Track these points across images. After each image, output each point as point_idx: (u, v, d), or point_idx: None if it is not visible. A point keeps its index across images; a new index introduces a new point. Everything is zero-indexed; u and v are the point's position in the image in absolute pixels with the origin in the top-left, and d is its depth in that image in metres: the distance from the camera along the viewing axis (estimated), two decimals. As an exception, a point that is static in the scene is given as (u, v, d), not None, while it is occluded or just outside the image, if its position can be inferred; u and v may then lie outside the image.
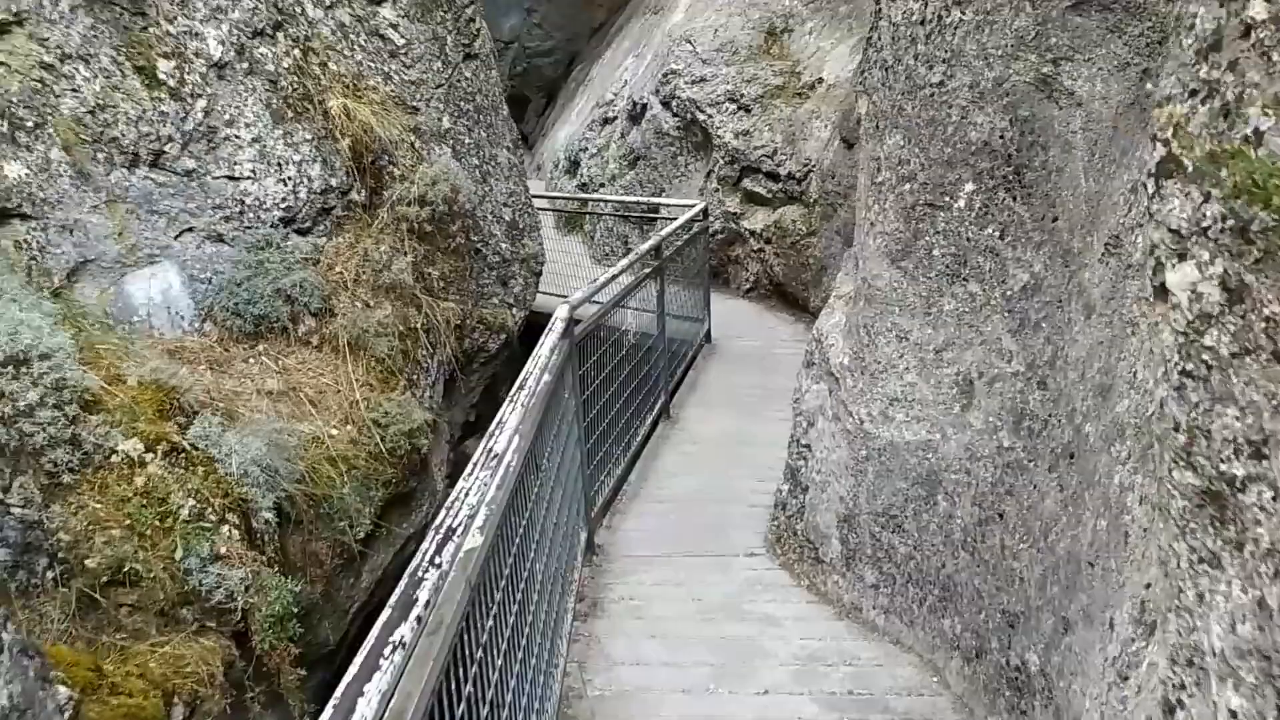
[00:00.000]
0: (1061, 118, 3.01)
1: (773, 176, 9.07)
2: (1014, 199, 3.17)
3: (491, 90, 7.27)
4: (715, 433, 6.08)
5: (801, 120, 8.84)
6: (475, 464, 2.00)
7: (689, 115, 10.00)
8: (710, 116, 9.67)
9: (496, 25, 23.39)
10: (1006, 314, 3.16)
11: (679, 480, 5.28)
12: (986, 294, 3.24)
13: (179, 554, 3.56)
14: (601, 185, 11.65)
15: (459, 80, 6.88)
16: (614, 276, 4.56)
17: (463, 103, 6.88)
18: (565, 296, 9.78)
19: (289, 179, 5.67)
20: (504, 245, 7.18)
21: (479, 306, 6.93)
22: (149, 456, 3.71)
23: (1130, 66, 2.73)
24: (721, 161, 9.59)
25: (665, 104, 10.39)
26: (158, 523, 3.59)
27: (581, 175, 12.40)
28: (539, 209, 9.76)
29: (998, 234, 3.21)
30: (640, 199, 9.45)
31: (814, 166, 8.40)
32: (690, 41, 10.20)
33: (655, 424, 6.09)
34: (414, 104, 6.46)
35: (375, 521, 5.36)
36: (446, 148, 6.67)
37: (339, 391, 5.54)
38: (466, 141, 6.88)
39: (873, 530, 3.65)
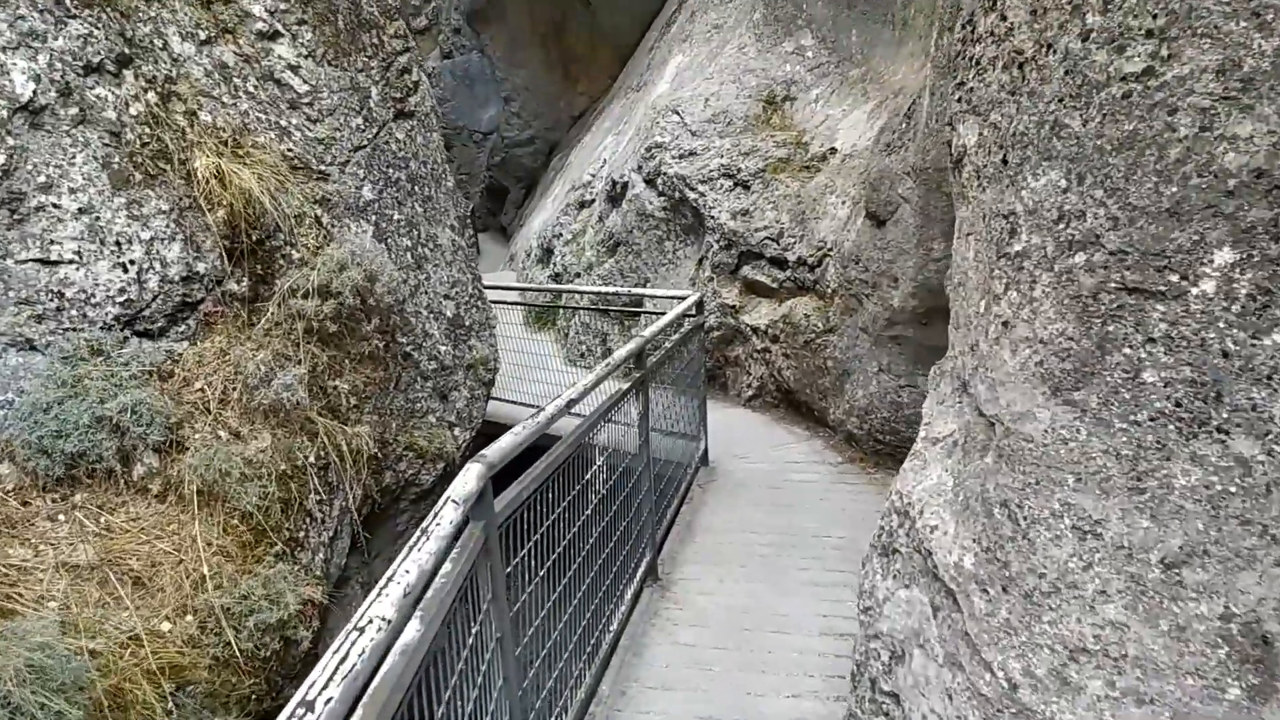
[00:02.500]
0: None
1: (779, 263, 7.61)
2: (1336, 278, 1.62)
3: (432, 156, 5.82)
4: (722, 607, 4.39)
5: (812, 197, 7.43)
6: None
7: (677, 194, 8.59)
8: (702, 195, 8.26)
9: (475, 117, 22.54)
10: (1348, 509, 1.57)
11: (676, 700, 3.57)
12: (1284, 463, 1.65)
13: None
14: (577, 275, 10.18)
15: (387, 142, 5.42)
16: (569, 404, 2.95)
17: (391, 169, 5.41)
18: (532, 405, 8.21)
19: (132, 263, 4.12)
20: (443, 348, 5.60)
21: (408, 428, 5.30)
22: None
23: None
24: (716, 246, 8.14)
25: (649, 182, 9.00)
26: None
27: (555, 264, 10.95)
28: (501, 302, 8.26)
29: (1302, 345, 1.65)
30: (622, 290, 7.97)
31: (831, 250, 6.93)
32: (677, 112, 8.88)
33: (639, 593, 4.42)
34: (322, 168, 4.97)
35: (220, 765, 3.62)
36: (367, 225, 5.16)
37: (180, 563, 3.85)
38: (395, 218, 5.38)
39: None
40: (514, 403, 8.40)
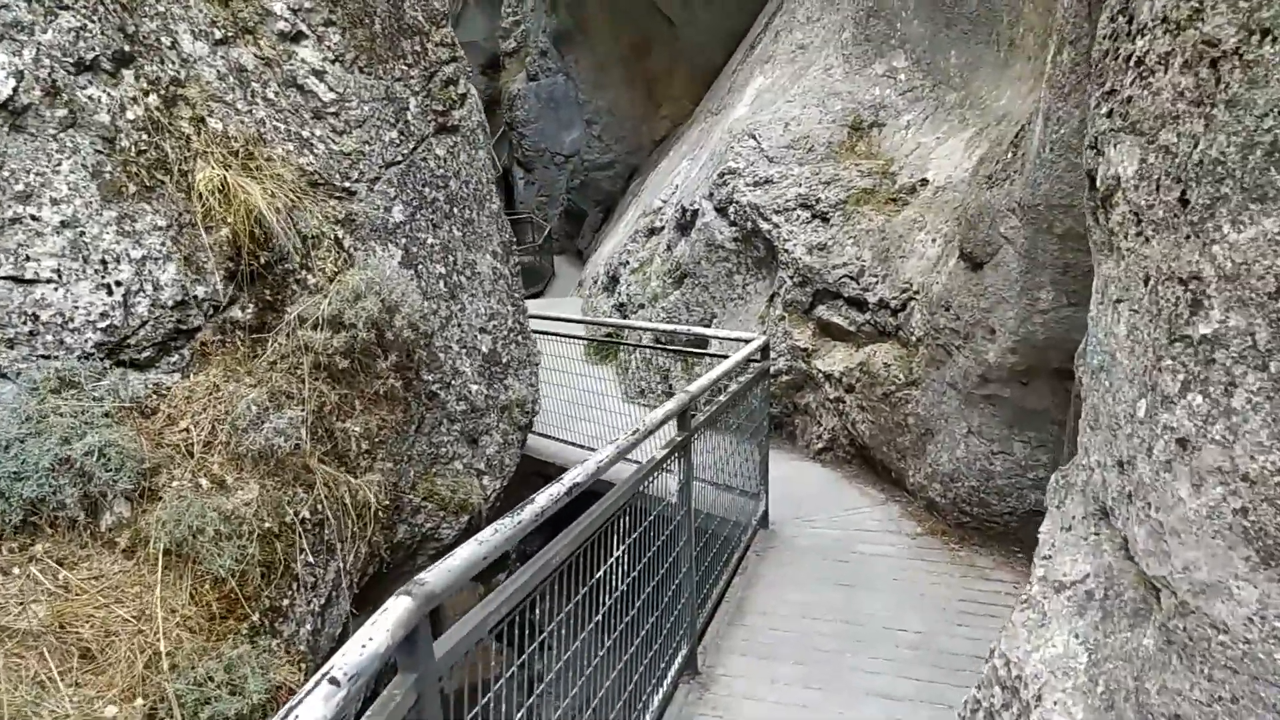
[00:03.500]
0: None
1: (857, 304, 6.87)
2: None
3: (476, 175, 5.31)
4: (771, 720, 3.68)
5: (898, 233, 6.68)
6: None
7: (749, 224, 7.93)
8: (776, 226, 7.58)
9: (558, 139, 22.33)
10: None
11: None
12: None
13: None
14: (641, 306, 9.58)
15: (425, 159, 4.92)
16: (571, 489, 2.32)
17: (427, 189, 4.90)
18: (581, 446, 7.60)
19: (119, 284, 3.68)
20: (474, 387, 5.05)
21: (429, 476, 4.76)
22: None
23: None
24: (789, 282, 7.44)
25: (720, 210, 8.36)
26: None
27: (620, 294, 10.37)
28: (548, 333, 7.72)
29: None
30: (682, 329, 7.33)
31: (917, 293, 6.17)
32: (754, 136, 8.24)
33: (671, 694, 3.74)
34: (347, 185, 4.49)
35: None
36: (395, 249, 4.65)
37: (139, 634, 3.34)
38: (429, 242, 4.86)
39: None
40: (565, 442, 7.83)
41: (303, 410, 3.95)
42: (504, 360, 5.32)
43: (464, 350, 5.01)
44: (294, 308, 4.15)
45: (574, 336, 8.57)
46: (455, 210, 5.09)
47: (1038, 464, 5.23)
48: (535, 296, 18.71)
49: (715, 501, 4.92)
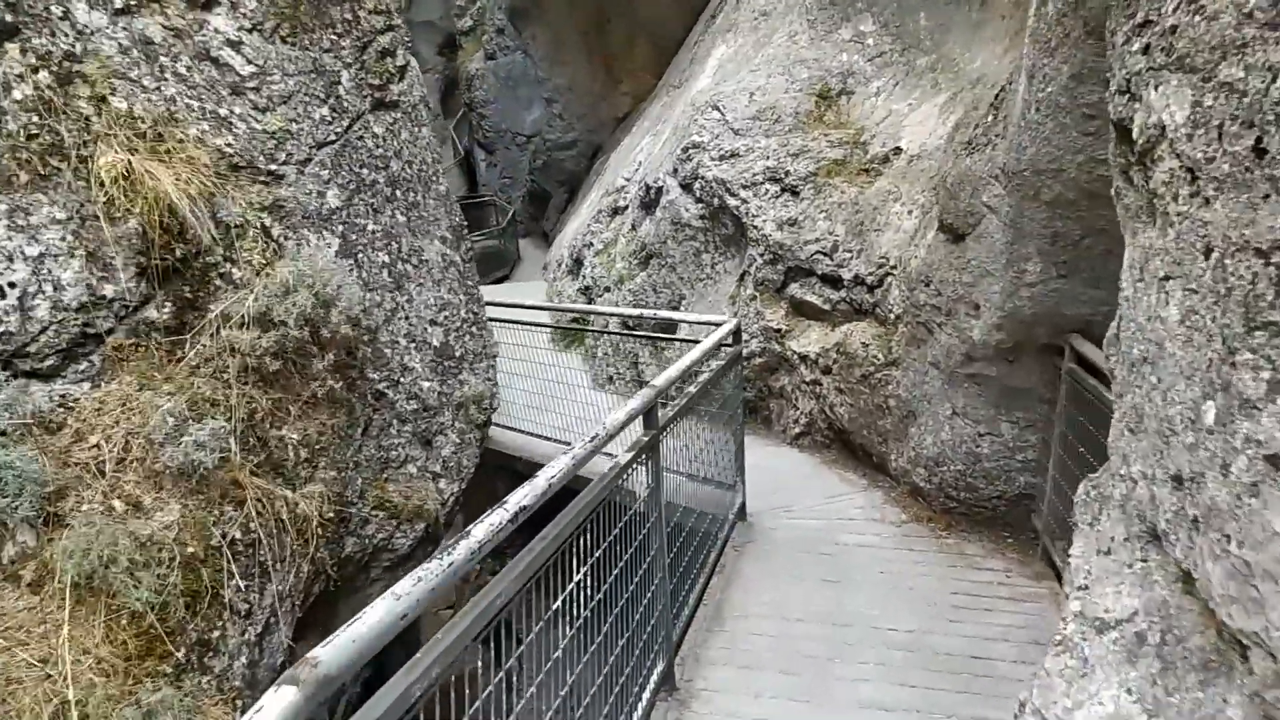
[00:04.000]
0: None
1: (832, 281, 6.56)
2: None
3: (420, 155, 4.91)
4: (755, 740, 3.39)
5: (872, 205, 6.37)
6: None
7: (716, 200, 7.59)
8: (744, 201, 7.25)
9: (518, 119, 21.77)
10: None
11: None
12: None
13: None
14: (606, 290, 9.22)
15: (361, 137, 4.52)
16: (516, 515, 1.98)
17: (366, 170, 4.51)
18: (548, 439, 7.26)
19: (13, 285, 3.28)
20: (426, 384, 4.68)
21: (379, 483, 4.39)
22: None
23: None
24: (760, 260, 7.12)
25: (685, 186, 8.01)
26: None
27: (584, 277, 9.99)
28: (520, 324, 7.36)
29: None
30: (648, 313, 6.97)
31: (894, 268, 5.88)
32: (718, 108, 7.88)
33: (647, 716, 3.44)
34: (273, 168, 4.09)
35: None
36: (332, 237, 4.26)
37: (47, 679, 2.97)
38: (369, 228, 4.47)
39: None
40: (532, 435, 7.48)
41: (229, 419, 3.57)
42: (458, 354, 4.95)
43: (413, 345, 4.64)
44: (217, 305, 3.76)
45: (537, 324, 8.19)
46: (398, 193, 4.70)
47: (1027, 445, 4.97)
48: (501, 281, 18.27)
49: (690, 496, 4.61)
